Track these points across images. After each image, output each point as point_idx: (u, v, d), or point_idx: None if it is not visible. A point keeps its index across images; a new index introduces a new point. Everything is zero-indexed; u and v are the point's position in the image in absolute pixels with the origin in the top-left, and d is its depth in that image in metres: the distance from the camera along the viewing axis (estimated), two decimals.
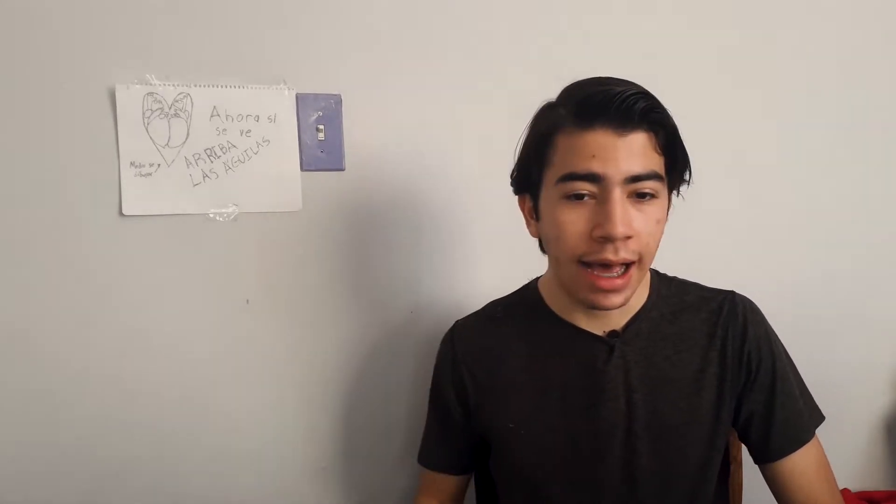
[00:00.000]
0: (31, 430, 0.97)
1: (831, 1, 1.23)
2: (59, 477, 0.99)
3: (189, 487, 1.04)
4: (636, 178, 0.70)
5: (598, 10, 1.14)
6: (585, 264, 0.72)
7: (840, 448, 1.32)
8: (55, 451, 0.98)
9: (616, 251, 0.70)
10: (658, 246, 0.75)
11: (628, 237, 0.70)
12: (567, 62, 1.09)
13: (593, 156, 0.69)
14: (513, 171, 0.82)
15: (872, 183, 1.29)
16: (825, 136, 1.26)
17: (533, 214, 0.80)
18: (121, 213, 0.97)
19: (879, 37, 1.26)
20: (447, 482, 0.95)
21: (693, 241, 1.20)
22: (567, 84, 0.76)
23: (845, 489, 1.32)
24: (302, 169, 1.04)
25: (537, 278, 0.90)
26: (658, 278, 0.87)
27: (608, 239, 0.69)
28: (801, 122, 1.24)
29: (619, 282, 0.72)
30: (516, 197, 0.84)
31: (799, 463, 0.82)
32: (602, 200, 0.70)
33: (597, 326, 0.82)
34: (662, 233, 0.74)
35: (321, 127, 1.04)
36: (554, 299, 0.85)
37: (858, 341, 1.31)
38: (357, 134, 1.06)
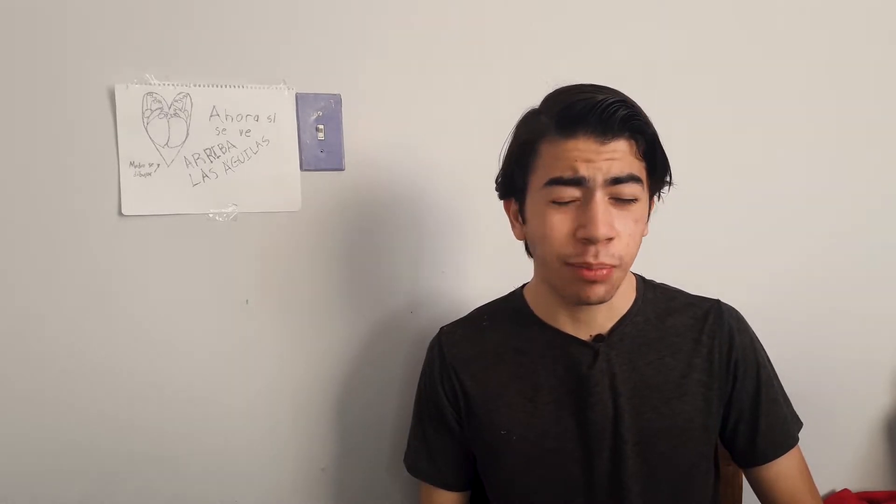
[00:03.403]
0: (31, 430, 0.97)
1: (824, 4, 1.23)
2: (58, 476, 0.99)
3: (187, 487, 1.04)
4: (617, 181, 0.72)
5: (596, 14, 1.14)
6: (569, 264, 0.74)
7: (840, 448, 1.33)
8: (54, 450, 0.98)
9: (597, 254, 0.72)
10: (638, 246, 0.76)
11: (610, 238, 0.72)
12: (566, 64, 1.11)
13: (576, 161, 0.71)
14: (497, 177, 0.83)
15: (872, 182, 1.29)
16: (825, 134, 1.26)
17: (518, 218, 0.82)
18: (120, 213, 0.97)
19: (873, 36, 1.26)
20: (449, 499, 0.94)
21: (692, 240, 1.20)
22: (552, 90, 0.78)
23: (846, 489, 1.32)
24: (301, 169, 1.04)
25: (523, 286, 0.91)
26: (644, 284, 0.88)
27: (590, 240, 0.71)
28: (801, 121, 1.24)
29: (602, 273, 0.73)
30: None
31: (784, 467, 0.85)
32: (585, 202, 0.72)
33: (582, 331, 0.83)
34: (642, 233, 0.77)
35: (321, 127, 1.04)
36: (539, 305, 0.86)
37: (858, 341, 1.31)
38: (357, 134, 1.06)
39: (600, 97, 0.71)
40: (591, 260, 0.72)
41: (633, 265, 0.79)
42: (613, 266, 0.74)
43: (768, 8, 1.21)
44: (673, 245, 1.12)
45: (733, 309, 0.87)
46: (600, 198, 0.71)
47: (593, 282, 0.74)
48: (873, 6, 1.26)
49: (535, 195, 0.76)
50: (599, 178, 0.71)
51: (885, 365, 1.34)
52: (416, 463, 0.94)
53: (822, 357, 1.29)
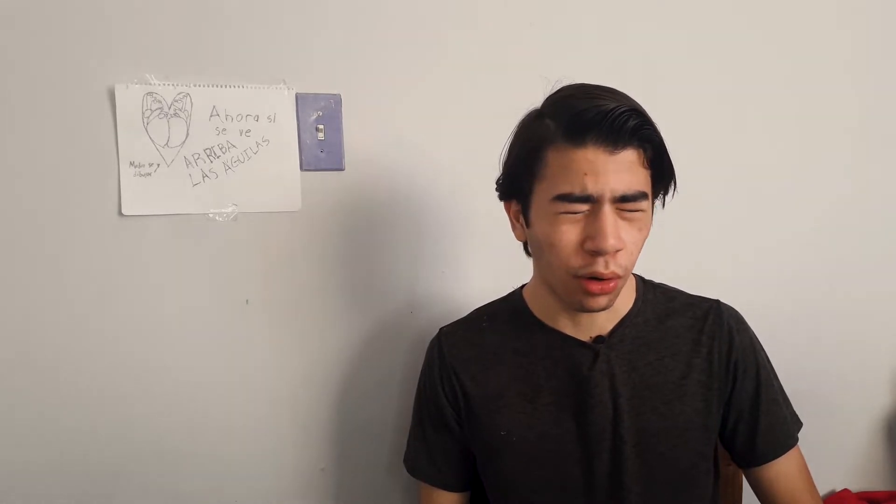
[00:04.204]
0: (31, 429, 0.97)
1: (823, 4, 1.24)
2: (57, 477, 0.98)
3: (187, 487, 1.04)
4: (624, 198, 0.72)
5: (596, 13, 1.14)
6: (577, 277, 0.74)
7: (840, 448, 1.33)
8: (54, 449, 0.98)
9: (606, 265, 0.72)
10: (640, 252, 0.77)
11: (618, 250, 0.72)
12: (566, 63, 1.10)
13: (585, 174, 0.70)
14: (499, 178, 0.83)
15: (872, 182, 1.29)
16: (824, 135, 1.26)
17: (520, 219, 0.81)
18: (120, 213, 0.97)
19: (871, 36, 1.27)
20: (449, 500, 0.94)
21: (692, 240, 1.20)
22: (554, 88, 0.77)
23: (846, 489, 1.32)
24: (301, 169, 1.04)
25: (522, 286, 0.91)
26: (644, 284, 0.88)
27: (599, 252, 0.71)
28: (800, 122, 1.24)
29: (608, 285, 0.74)
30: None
31: (784, 467, 0.85)
32: (593, 215, 0.72)
33: (582, 332, 0.83)
34: (645, 240, 0.77)
35: (321, 127, 1.04)
36: (539, 307, 0.86)
37: (859, 341, 1.31)
38: (357, 134, 1.06)
39: (611, 105, 0.69)
40: (601, 270, 0.72)
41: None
42: (620, 276, 0.74)
43: (768, 8, 1.21)
44: (673, 245, 1.12)
45: (733, 309, 0.87)
46: (608, 211, 0.71)
47: (599, 294, 0.74)
48: (870, 5, 1.26)
49: (542, 204, 0.75)
50: (608, 194, 0.71)
51: (885, 365, 1.34)
52: (416, 463, 0.94)
53: (823, 357, 1.29)
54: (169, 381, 1.02)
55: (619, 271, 0.73)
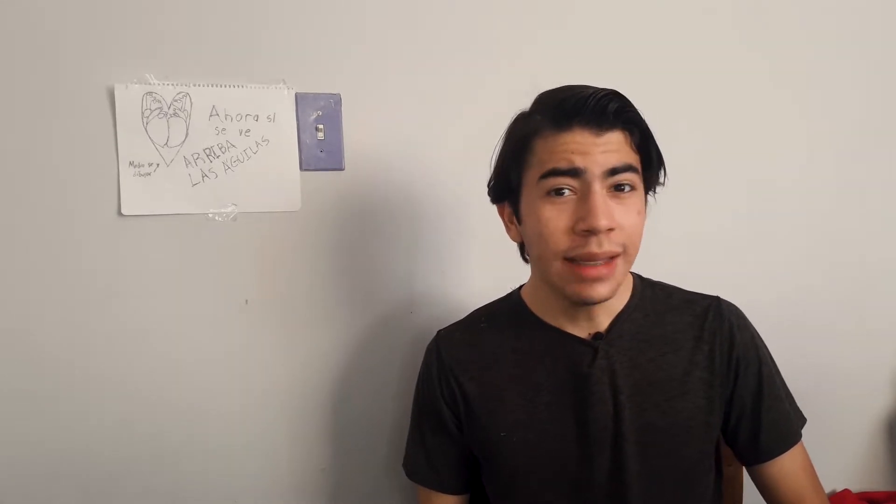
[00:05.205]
0: (29, 430, 0.97)
1: (818, 6, 1.24)
2: (55, 477, 0.98)
3: (187, 487, 1.04)
4: (614, 171, 0.72)
5: (597, 17, 1.14)
6: (570, 259, 0.74)
7: (841, 448, 1.33)
8: (52, 450, 0.98)
9: (600, 244, 0.72)
10: (641, 238, 0.76)
11: (611, 229, 0.71)
12: (567, 65, 1.11)
13: (572, 152, 0.71)
14: (490, 181, 0.83)
15: (872, 183, 1.29)
16: (825, 136, 1.26)
17: (513, 220, 0.82)
18: (119, 213, 0.97)
19: (870, 36, 1.27)
20: (448, 502, 0.93)
21: (693, 243, 1.20)
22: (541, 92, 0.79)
23: (846, 489, 1.31)
24: (301, 169, 1.04)
25: (520, 287, 0.91)
26: (641, 281, 0.88)
27: (591, 232, 0.71)
28: (801, 122, 1.25)
29: (604, 270, 0.73)
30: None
31: (787, 464, 0.84)
32: (583, 195, 0.72)
33: (581, 329, 0.83)
34: (643, 225, 0.76)
35: (320, 126, 1.04)
36: (538, 305, 0.85)
37: (858, 342, 1.31)
38: (357, 134, 1.06)
39: (591, 91, 0.72)
40: (595, 249, 0.71)
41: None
42: (617, 254, 0.73)
43: (769, 8, 1.21)
44: (673, 245, 1.12)
45: (733, 306, 0.87)
46: (598, 189, 0.71)
47: (596, 280, 0.73)
48: (870, 6, 1.26)
49: (530, 192, 0.75)
50: (597, 171, 0.71)
51: (885, 365, 1.34)
52: (415, 468, 0.93)
53: (823, 358, 1.29)
54: (168, 381, 1.01)
55: (616, 248, 0.72)
